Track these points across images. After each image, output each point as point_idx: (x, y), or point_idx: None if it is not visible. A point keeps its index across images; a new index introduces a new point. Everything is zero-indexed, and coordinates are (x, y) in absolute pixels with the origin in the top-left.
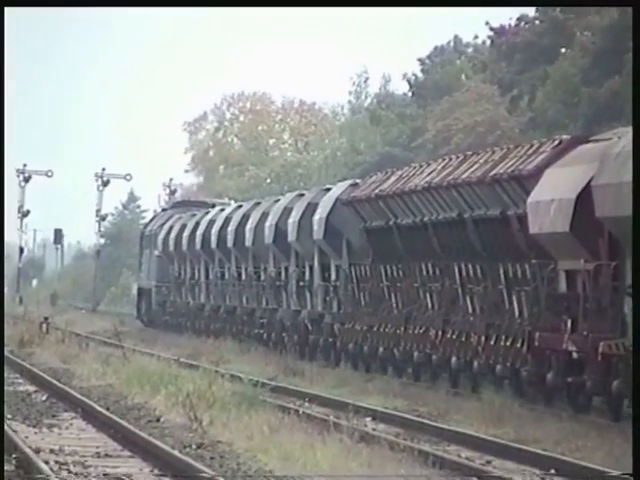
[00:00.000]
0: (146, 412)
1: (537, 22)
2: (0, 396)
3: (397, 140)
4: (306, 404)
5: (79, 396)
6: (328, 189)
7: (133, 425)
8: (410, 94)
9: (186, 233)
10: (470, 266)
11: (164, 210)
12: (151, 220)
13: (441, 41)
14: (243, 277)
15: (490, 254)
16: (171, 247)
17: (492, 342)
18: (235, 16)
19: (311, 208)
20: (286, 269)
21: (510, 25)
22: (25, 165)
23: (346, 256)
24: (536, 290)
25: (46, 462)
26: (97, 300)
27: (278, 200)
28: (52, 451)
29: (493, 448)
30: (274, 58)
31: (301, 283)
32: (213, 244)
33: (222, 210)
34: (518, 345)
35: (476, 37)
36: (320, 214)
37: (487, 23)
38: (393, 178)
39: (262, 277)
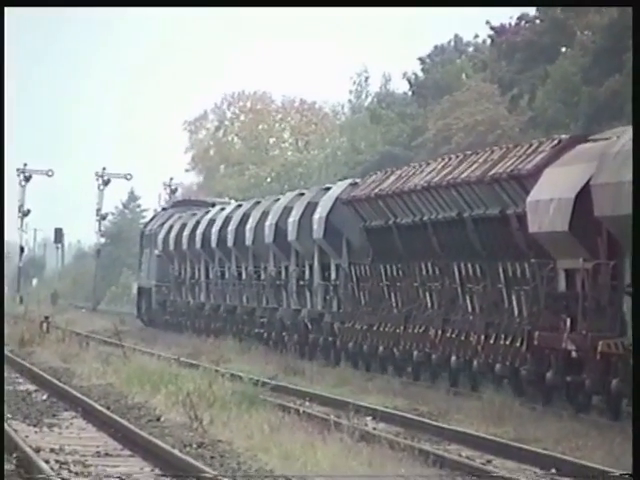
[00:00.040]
0: (146, 411)
1: (537, 21)
2: (0, 395)
3: (397, 139)
4: (306, 403)
5: (79, 395)
6: (328, 188)
7: (133, 424)
8: (410, 93)
9: (186, 232)
10: (469, 265)
11: (164, 209)
12: (151, 219)
13: (441, 40)
14: (243, 276)
15: (489, 253)
16: (171, 246)
17: (491, 341)
18: (235, 16)
19: (311, 207)
20: (286, 268)
21: (510, 24)
22: (25, 164)
23: (346, 255)
24: (535, 289)
25: (46, 461)
26: (97, 299)
27: (278, 199)
28: (52, 450)
29: (493, 447)
30: (274, 57)
31: (301, 282)
32: (213, 243)
33: (222, 209)
34: (517, 344)
35: (476, 36)
36: (320, 213)
37: (487, 22)
38: (393, 177)
39: (262, 276)
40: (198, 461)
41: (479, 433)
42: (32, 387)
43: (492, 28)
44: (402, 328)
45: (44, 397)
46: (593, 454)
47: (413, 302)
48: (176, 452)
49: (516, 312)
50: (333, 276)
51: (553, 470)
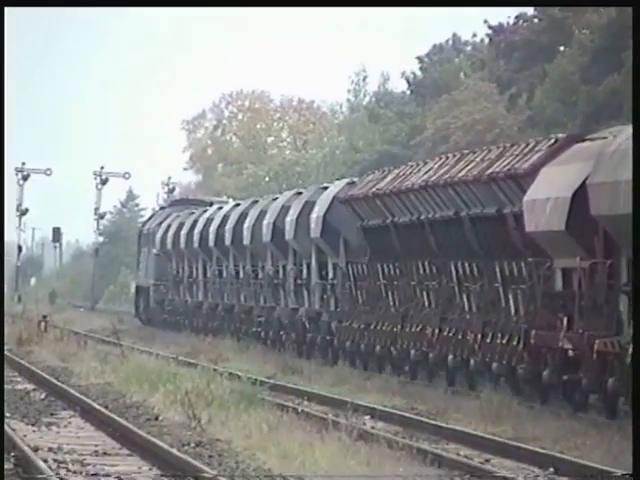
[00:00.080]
0: (145, 410)
1: (536, 20)
2: None
3: (396, 138)
4: (305, 402)
5: (77, 394)
6: (325, 187)
7: (132, 423)
8: (409, 92)
9: (184, 231)
10: (467, 264)
11: (162, 208)
12: (149, 218)
13: (440, 39)
14: (241, 275)
15: (486, 252)
16: (169, 245)
17: (488, 340)
18: (235, 16)
19: (308, 206)
20: (284, 267)
21: (509, 23)
22: (24, 163)
23: (343, 254)
24: (532, 288)
25: (45, 460)
26: (96, 298)
27: (276, 198)
28: (51, 449)
29: (492, 446)
30: (273, 57)
31: (299, 281)
32: (211, 242)
33: (220, 208)
34: (514, 343)
35: (475, 35)
36: (317, 212)
37: (486, 21)
38: (390, 177)
39: (260, 275)
40: (196, 460)
41: (477, 432)
42: (30, 386)
43: (490, 27)
44: (399, 327)
45: (42, 396)
46: (592, 453)
47: (410, 301)
48: (174, 451)
49: (513, 311)
50: (331, 275)
51: (551, 469)
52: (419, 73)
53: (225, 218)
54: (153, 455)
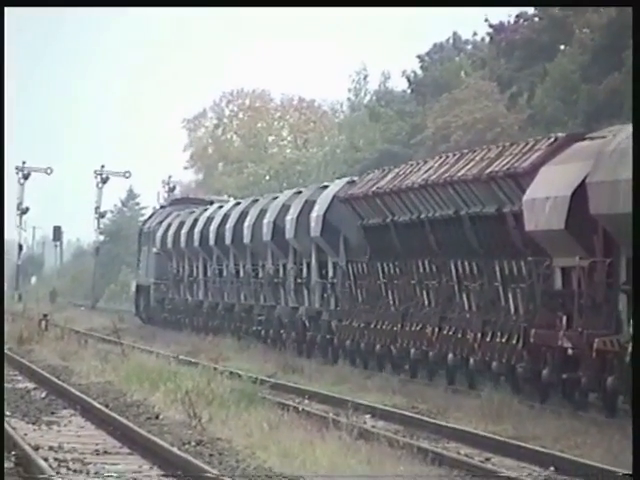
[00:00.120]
0: (145, 409)
1: (536, 19)
2: (0, 393)
3: (396, 137)
4: (305, 401)
5: (78, 393)
6: (325, 186)
7: (132, 422)
8: (409, 91)
9: (184, 230)
10: (466, 263)
11: (163, 207)
12: (149, 217)
13: (440, 38)
14: (241, 274)
15: (486, 251)
16: (169, 244)
17: (488, 339)
18: (235, 16)
19: (309, 205)
20: (284, 266)
21: (509, 22)
22: (24, 162)
23: (343, 253)
24: (532, 287)
25: (45, 459)
26: (96, 297)
27: (276, 197)
28: (51, 448)
29: (492, 445)
30: (273, 56)
31: (299, 280)
32: (211, 241)
33: (220, 207)
34: (514, 342)
35: (475, 34)
36: (317, 211)
37: (486, 20)
38: (390, 176)
39: (260, 274)
40: (197, 459)
41: (478, 431)
42: (31, 385)
43: (491, 26)
44: (399, 326)
45: (43, 395)
46: (592, 452)
47: (410, 300)
48: (175, 450)
49: (512, 310)
50: (331, 274)
51: (552, 468)
52: (420, 72)
53: (225, 217)
54: (154, 454)
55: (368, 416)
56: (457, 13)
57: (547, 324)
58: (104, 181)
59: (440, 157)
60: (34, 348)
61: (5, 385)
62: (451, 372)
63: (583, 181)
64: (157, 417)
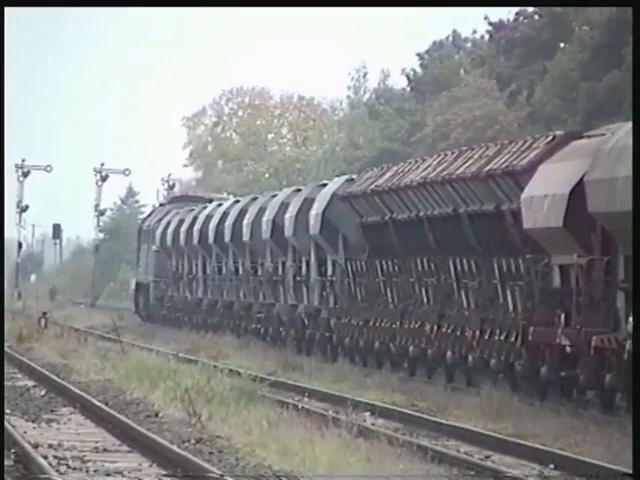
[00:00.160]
0: (145, 407)
1: (536, 17)
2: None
3: (396, 135)
4: (305, 399)
5: (78, 391)
6: (324, 184)
7: (132, 420)
8: (409, 89)
9: (184, 228)
10: (465, 261)
11: (162, 205)
12: (149, 215)
13: (440, 36)
14: (240, 272)
15: (485, 249)
16: (169, 242)
17: (487, 336)
18: (235, 16)
19: (308, 203)
20: (283, 264)
21: (509, 20)
22: (24, 160)
23: (342, 251)
24: (530, 285)
25: (45, 457)
26: (96, 295)
27: (275, 195)
28: (51, 446)
29: (492, 443)
30: (273, 55)
31: (298, 278)
32: (210, 239)
33: (219, 205)
34: (512, 339)
35: (475, 32)
36: (316, 209)
37: (486, 18)
38: (389, 173)
39: (259, 272)
40: (197, 457)
41: (478, 429)
42: (30, 383)
43: (490, 24)
44: (398, 323)
45: (42, 393)
46: (592, 450)
47: (409, 298)
48: (174, 448)
49: (511, 307)
50: (330, 272)
51: (552, 466)
52: (419, 70)
53: (224, 215)
54: (153, 452)
55: (368, 414)
56: (457, 13)
57: (545, 322)
58: (104, 179)
59: (439, 155)
60: (34, 346)
61: (5, 383)
62: (450, 370)
63: (581, 179)
64: (157, 415)
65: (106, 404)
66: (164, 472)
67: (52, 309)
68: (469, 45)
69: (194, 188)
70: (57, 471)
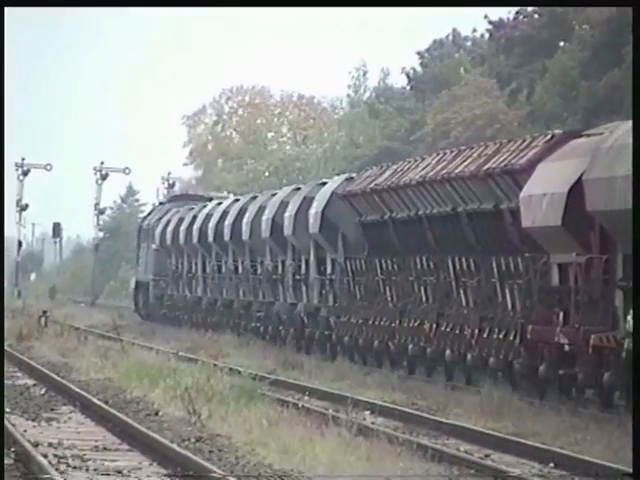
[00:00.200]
0: (145, 405)
1: (536, 16)
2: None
3: (396, 134)
4: (305, 398)
5: (78, 390)
6: (324, 183)
7: (132, 419)
8: (409, 88)
9: (183, 227)
10: (464, 260)
11: (162, 204)
12: (149, 214)
13: (440, 35)
14: (240, 270)
15: (484, 248)
16: (168, 241)
17: (485, 335)
18: (235, 16)
19: (307, 202)
20: (283, 263)
21: (509, 18)
22: (24, 159)
23: (342, 250)
24: (529, 283)
25: (45, 456)
26: (96, 294)
27: (275, 194)
28: (51, 445)
29: (492, 442)
30: (273, 54)
31: (297, 276)
32: (210, 238)
33: (219, 204)
34: (511, 338)
35: (475, 31)
36: (316, 208)
37: (486, 16)
38: (388, 172)
39: (259, 270)
40: (197, 455)
41: (477, 427)
42: (30, 381)
43: (490, 22)
44: (397, 322)
45: (42, 391)
46: (592, 448)
47: (408, 296)
48: (174, 446)
49: (510, 306)
50: (329, 270)
51: (552, 464)
52: (419, 68)
53: (224, 214)
54: (153, 450)
55: (368, 412)
56: (457, 12)
57: (544, 320)
58: (104, 178)
59: (438, 154)
60: (34, 345)
61: (5, 382)
62: (449, 368)
63: (580, 178)
64: (157, 413)
65: (106, 403)
66: (164, 471)
67: (52, 308)
68: (469, 44)
69: (194, 187)
70: (57, 470)
